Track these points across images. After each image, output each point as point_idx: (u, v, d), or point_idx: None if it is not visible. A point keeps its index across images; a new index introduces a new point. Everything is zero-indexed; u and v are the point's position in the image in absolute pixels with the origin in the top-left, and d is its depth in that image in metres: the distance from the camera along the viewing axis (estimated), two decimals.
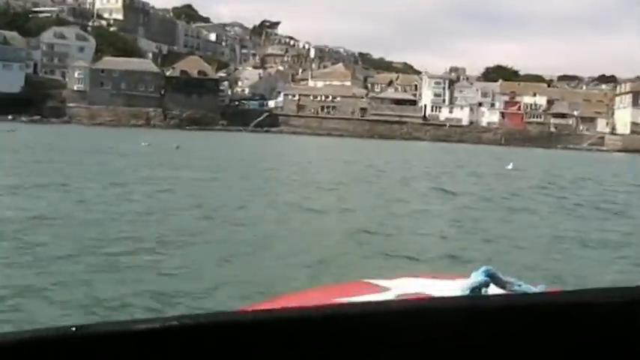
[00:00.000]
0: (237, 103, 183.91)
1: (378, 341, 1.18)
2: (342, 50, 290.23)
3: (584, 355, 1.20)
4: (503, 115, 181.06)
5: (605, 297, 1.20)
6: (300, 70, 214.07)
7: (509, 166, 61.12)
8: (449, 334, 1.19)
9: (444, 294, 2.09)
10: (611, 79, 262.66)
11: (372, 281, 2.59)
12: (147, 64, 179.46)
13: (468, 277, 2.01)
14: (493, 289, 1.98)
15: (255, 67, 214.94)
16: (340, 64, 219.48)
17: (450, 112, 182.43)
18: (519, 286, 2.00)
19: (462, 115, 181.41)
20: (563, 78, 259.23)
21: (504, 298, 1.33)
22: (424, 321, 1.20)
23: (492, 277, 1.95)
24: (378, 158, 70.33)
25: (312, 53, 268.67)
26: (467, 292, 1.94)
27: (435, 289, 2.32)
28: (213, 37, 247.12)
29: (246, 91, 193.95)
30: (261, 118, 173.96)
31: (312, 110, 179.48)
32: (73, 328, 1.14)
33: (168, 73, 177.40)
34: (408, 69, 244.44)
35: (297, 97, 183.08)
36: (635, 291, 1.22)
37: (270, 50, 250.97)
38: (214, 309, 7.61)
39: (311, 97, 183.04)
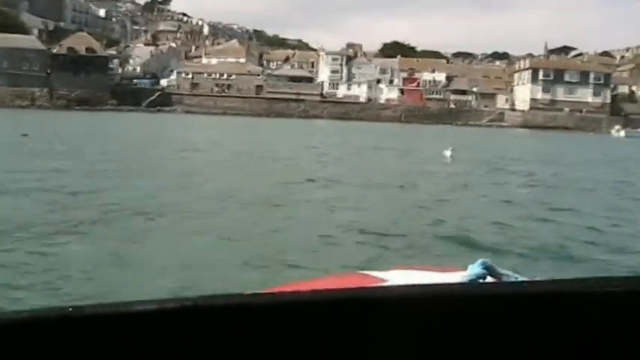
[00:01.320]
0: (127, 81, 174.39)
1: (373, 327, 1.18)
2: (235, 27, 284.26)
3: (584, 345, 1.20)
4: (402, 91, 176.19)
5: (605, 286, 1.20)
6: (194, 48, 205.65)
7: (448, 153, 47.81)
8: (446, 320, 1.19)
9: None
10: (504, 56, 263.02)
11: (367, 273, 2.59)
12: (31, 41, 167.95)
13: (464, 270, 2.00)
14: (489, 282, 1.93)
15: (146, 44, 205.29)
16: (234, 41, 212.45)
17: (348, 89, 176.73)
18: (516, 278, 2.00)
19: (360, 92, 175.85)
20: (458, 55, 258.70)
21: (505, 286, 1.32)
22: (420, 307, 1.19)
23: (489, 270, 1.94)
24: (269, 141, 62.99)
25: (205, 30, 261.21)
26: None
27: (431, 282, 2.25)
28: (102, 12, 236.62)
29: (138, 69, 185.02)
30: (154, 97, 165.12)
31: (207, 88, 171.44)
32: (70, 309, 1.14)
33: (54, 51, 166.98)
34: (303, 46, 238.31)
35: (190, 75, 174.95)
36: (636, 281, 1.23)
37: (162, 27, 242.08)
38: None
39: (205, 75, 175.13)
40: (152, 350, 1.16)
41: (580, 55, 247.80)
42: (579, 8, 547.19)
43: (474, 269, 1.96)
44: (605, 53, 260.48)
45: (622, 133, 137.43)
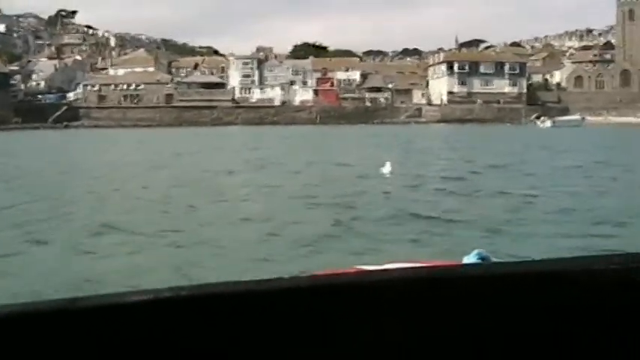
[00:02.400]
0: (32, 97, 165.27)
1: (370, 312, 1.18)
2: (144, 37, 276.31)
3: (583, 323, 1.19)
4: (316, 92, 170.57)
5: (603, 264, 1.19)
6: (100, 59, 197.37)
7: (386, 169, 36.46)
8: (442, 302, 1.19)
9: None
10: (415, 52, 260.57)
11: (364, 267, 2.57)
12: None
13: (460, 262, 1.96)
14: None
15: (50, 58, 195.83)
16: (141, 50, 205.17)
17: (262, 92, 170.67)
18: None
19: (274, 94, 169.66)
20: (369, 53, 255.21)
21: (502, 266, 1.28)
22: (416, 289, 1.19)
23: (484, 260, 1.90)
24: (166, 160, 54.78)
25: (112, 41, 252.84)
26: None
27: None
28: (2, 28, 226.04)
29: (42, 84, 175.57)
30: (60, 112, 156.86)
31: (115, 100, 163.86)
32: (70, 300, 1.15)
33: None
34: (212, 53, 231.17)
35: (97, 87, 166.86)
36: (635, 257, 1.22)
37: (67, 40, 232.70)
38: None
39: (112, 87, 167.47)
40: (149, 340, 1.17)
41: (491, 47, 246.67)
42: (481, 2, 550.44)
43: (469, 260, 1.94)
44: (515, 44, 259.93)
45: (548, 124, 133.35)
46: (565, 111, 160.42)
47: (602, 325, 1.19)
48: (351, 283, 1.22)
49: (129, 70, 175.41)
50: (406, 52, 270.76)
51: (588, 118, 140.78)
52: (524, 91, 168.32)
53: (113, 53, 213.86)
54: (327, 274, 1.34)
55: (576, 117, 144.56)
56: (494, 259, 2.11)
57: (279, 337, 1.19)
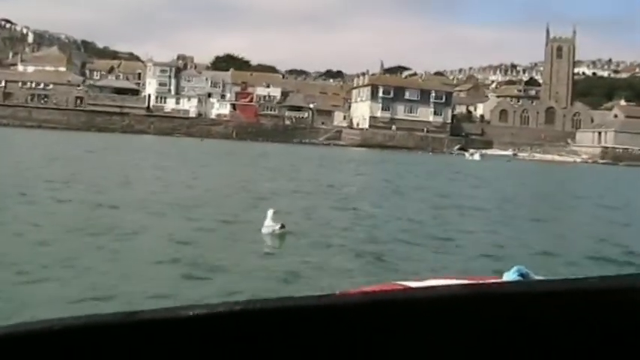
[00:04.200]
0: None
1: (414, 329, 1.18)
2: (63, 37, 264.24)
3: (627, 342, 1.15)
4: (234, 106, 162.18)
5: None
6: (11, 54, 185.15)
7: (270, 229, 21.64)
8: (485, 320, 1.17)
9: None
10: (338, 75, 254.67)
11: (403, 283, 2.52)
12: None
13: (499, 278, 1.98)
14: None
15: None
16: (55, 48, 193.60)
17: (177, 102, 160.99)
18: None
19: (190, 105, 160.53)
20: (292, 72, 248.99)
21: (545, 283, 1.26)
22: (464, 306, 1.18)
23: (524, 277, 1.91)
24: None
25: (30, 37, 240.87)
26: None
27: None
28: None
29: None
30: None
31: (21, 99, 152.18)
32: (126, 314, 1.17)
33: None
34: (133, 59, 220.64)
35: (2, 84, 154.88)
36: None
37: None
38: None
39: (20, 84, 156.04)
40: (203, 355, 1.18)
41: (415, 74, 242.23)
42: (407, 30, 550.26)
43: (509, 276, 1.75)
44: (439, 74, 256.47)
45: (477, 156, 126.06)
46: (489, 144, 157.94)
47: None
48: (396, 300, 1.21)
49: (39, 68, 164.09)
50: (329, 74, 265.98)
51: (520, 154, 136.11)
52: (449, 121, 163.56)
53: (27, 50, 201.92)
54: (370, 290, 1.34)
55: (508, 152, 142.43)
56: (533, 276, 2.02)
57: (328, 353, 1.19)
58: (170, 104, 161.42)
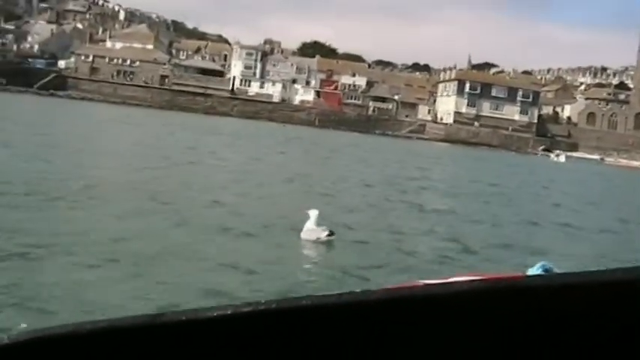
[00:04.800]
0: (21, 59, 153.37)
1: (436, 325, 1.19)
2: (154, 16, 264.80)
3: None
4: (318, 94, 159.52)
5: None
6: (101, 30, 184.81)
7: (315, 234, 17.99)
8: (513, 312, 1.17)
9: None
10: (425, 68, 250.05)
11: (429, 282, 2.58)
12: None
13: (524, 274, 1.88)
14: None
15: (49, 22, 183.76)
16: (143, 25, 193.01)
17: (261, 86, 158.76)
18: None
19: (274, 90, 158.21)
20: (378, 63, 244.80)
21: (566, 277, 1.23)
22: (486, 301, 1.18)
23: (548, 272, 1.85)
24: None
25: (121, 15, 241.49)
26: None
27: None
28: None
29: (36, 47, 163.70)
30: (48, 79, 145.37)
31: (107, 74, 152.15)
32: (151, 317, 1.18)
33: None
34: (221, 41, 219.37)
35: (90, 58, 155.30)
36: None
37: (71, 6, 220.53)
38: None
39: (107, 60, 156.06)
40: (228, 355, 1.18)
41: (502, 72, 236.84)
42: (496, 27, 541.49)
43: (533, 272, 1.85)
44: (527, 72, 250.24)
45: (562, 158, 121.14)
46: (574, 147, 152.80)
47: None
48: (415, 296, 1.22)
49: (127, 44, 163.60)
50: (416, 67, 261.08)
51: (607, 159, 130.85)
52: (535, 121, 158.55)
53: (117, 27, 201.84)
54: (395, 287, 1.32)
55: (595, 156, 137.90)
56: (557, 270, 1.98)
57: (351, 350, 1.19)
58: (254, 88, 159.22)
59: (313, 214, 17.63)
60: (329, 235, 17.37)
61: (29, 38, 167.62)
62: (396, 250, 17.93)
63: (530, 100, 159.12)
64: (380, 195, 30.68)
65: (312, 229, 17.47)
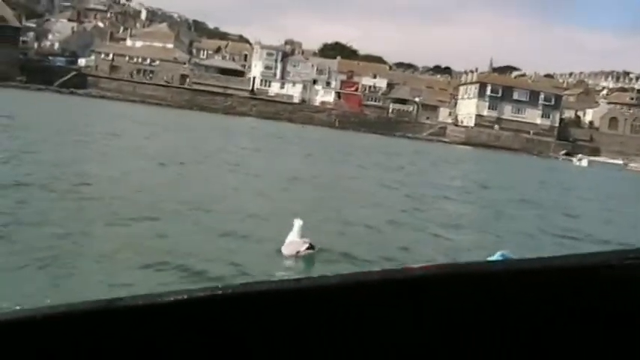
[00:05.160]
0: (41, 58, 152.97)
1: (397, 309, 1.19)
2: (175, 15, 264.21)
3: (601, 317, 1.18)
4: (339, 95, 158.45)
5: (623, 258, 1.16)
6: (122, 29, 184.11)
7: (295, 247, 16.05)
8: (471, 297, 1.18)
9: None
10: (446, 71, 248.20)
11: (388, 269, 2.48)
12: None
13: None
14: None
15: (70, 20, 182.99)
16: (164, 24, 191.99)
17: (281, 87, 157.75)
18: None
19: (294, 91, 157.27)
20: (400, 65, 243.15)
21: (522, 262, 1.22)
22: (443, 286, 1.18)
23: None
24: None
25: (143, 14, 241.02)
26: None
27: None
28: None
29: (56, 45, 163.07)
30: (68, 77, 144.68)
31: (127, 73, 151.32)
32: (108, 301, 1.18)
33: None
34: (242, 41, 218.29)
35: (110, 57, 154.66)
36: None
37: (92, 5, 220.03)
38: None
39: (127, 58, 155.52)
40: (184, 340, 1.18)
41: (523, 75, 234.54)
42: (518, 30, 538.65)
43: (493, 259, 1.69)
44: (549, 76, 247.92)
45: (584, 162, 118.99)
46: (596, 151, 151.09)
47: (622, 319, 1.18)
48: (375, 281, 1.21)
49: (147, 43, 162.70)
50: (437, 69, 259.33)
51: (631, 164, 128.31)
52: (557, 124, 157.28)
53: (138, 25, 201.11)
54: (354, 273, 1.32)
55: (618, 161, 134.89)
56: (516, 259, 1.67)
57: (308, 334, 1.20)
58: (274, 88, 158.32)
59: (297, 224, 15.59)
60: (308, 249, 15.34)
61: (50, 36, 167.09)
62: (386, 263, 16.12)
63: (552, 103, 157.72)
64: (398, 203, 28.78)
65: (292, 242, 15.47)
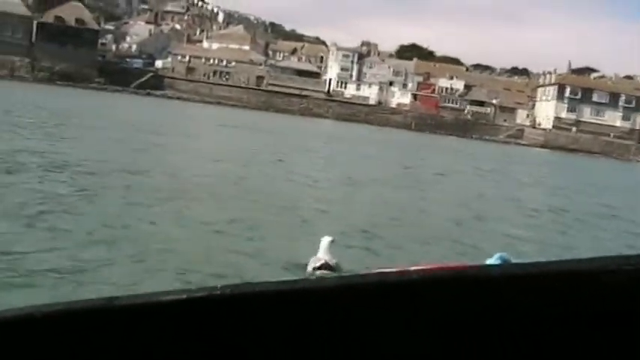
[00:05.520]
0: (119, 60, 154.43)
1: (392, 313, 1.18)
2: (252, 17, 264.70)
3: (600, 323, 1.16)
4: (415, 97, 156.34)
5: (622, 264, 1.14)
6: (199, 31, 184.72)
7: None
8: (468, 302, 1.17)
9: None
10: (524, 72, 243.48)
11: (384, 271, 2.45)
12: (14, 6, 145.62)
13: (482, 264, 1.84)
14: None
15: (148, 23, 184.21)
16: (240, 26, 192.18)
17: (357, 89, 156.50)
18: None
19: (370, 93, 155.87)
20: (477, 67, 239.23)
21: (520, 267, 1.23)
22: (441, 290, 1.18)
23: (507, 263, 1.79)
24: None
25: (220, 17, 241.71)
26: None
27: None
28: None
29: (134, 48, 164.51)
30: (145, 78, 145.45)
31: (204, 75, 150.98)
32: (106, 300, 1.17)
33: (40, 19, 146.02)
34: (319, 43, 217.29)
35: (187, 59, 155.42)
36: None
37: (170, 7, 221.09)
38: None
39: (203, 60, 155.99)
40: (182, 339, 1.18)
41: (603, 77, 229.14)
42: (596, 30, 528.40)
43: (492, 262, 1.70)
44: (629, 77, 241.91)
45: None
46: None
47: (622, 325, 1.16)
48: (372, 284, 1.21)
49: (223, 45, 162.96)
50: (514, 71, 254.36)
51: None
52: (638, 127, 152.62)
53: (214, 28, 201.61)
54: (352, 275, 1.30)
55: None
56: (515, 262, 1.79)
57: (305, 336, 1.19)
58: (350, 90, 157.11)
59: (325, 241, 13.93)
60: (321, 268, 13.49)
61: (128, 39, 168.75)
62: None
63: (633, 105, 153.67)
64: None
65: (316, 260, 13.87)
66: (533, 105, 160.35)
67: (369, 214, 21.86)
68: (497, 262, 1.55)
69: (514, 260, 1.71)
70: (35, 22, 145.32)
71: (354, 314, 1.19)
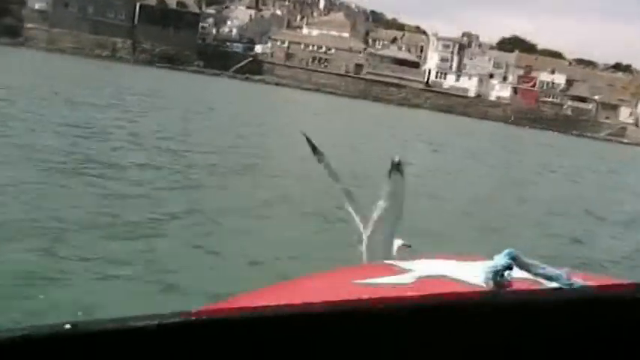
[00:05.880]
0: (219, 43, 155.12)
1: (384, 340, 1.13)
2: (353, 5, 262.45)
3: (621, 354, 1.11)
4: (515, 90, 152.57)
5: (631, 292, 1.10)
6: (299, 17, 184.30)
7: None
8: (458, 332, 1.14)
9: (465, 277, 2.04)
10: (627, 69, 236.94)
11: (393, 263, 2.53)
12: None
13: (490, 260, 1.87)
14: (516, 272, 1.79)
15: (249, 7, 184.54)
16: (340, 13, 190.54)
17: (457, 80, 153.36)
18: (543, 269, 1.84)
19: (470, 85, 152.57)
20: (579, 62, 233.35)
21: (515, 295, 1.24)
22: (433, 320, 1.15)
23: (515, 260, 1.79)
24: None
25: (321, 4, 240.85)
26: (489, 275, 1.76)
27: (456, 272, 2.22)
28: None
29: (234, 32, 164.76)
30: (243, 63, 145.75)
31: (302, 60, 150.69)
32: (67, 326, 1.09)
33: (144, 1, 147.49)
34: (419, 32, 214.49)
35: (286, 44, 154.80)
36: None
37: None
38: None
39: (302, 46, 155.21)
40: None
41: None
42: None
43: (500, 260, 1.72)
44: None
45: None
46: None
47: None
48: (371, 310, 1.17)
49: (323, 31, 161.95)
50: (618, 67, 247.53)
51: None
52: None
53: (315, 13, 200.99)
54: (346, 300, 1.27)
55: None
56: (524, 259, 1.89)
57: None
58: (449, 81, 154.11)
59: (396, 243, 12.52)
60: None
61: (228, 23, 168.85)
62: None
63: None
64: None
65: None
66: (637, 102, 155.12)
67: None
68: (506, 258, 1.67)
69: (522, 257, 1.76)
70: (138, 5, 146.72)
71: (354, 340, 1.15)
